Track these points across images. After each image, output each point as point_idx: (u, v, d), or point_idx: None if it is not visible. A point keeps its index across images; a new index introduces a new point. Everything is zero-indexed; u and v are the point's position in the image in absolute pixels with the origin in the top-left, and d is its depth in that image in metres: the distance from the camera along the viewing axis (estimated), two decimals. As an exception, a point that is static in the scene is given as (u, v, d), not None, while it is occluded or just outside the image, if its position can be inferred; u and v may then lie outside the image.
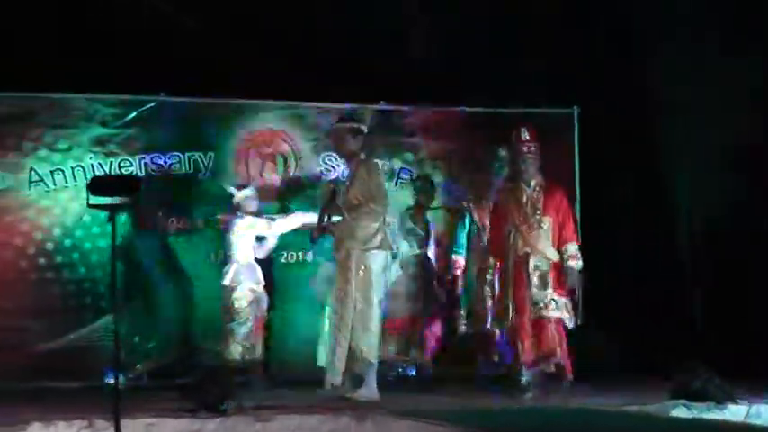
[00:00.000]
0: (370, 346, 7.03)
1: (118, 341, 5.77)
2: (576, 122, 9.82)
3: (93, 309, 8.79)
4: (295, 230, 8.63)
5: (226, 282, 8.23)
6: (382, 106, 9.54)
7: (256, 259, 8.43)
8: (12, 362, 8.51)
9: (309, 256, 9.13)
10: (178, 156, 9.08)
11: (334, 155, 9.33)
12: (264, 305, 8.43)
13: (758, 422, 6.27)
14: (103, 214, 8.40)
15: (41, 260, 8.78)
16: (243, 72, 9.04)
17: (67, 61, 8.70)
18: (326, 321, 7.94)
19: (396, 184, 9.50)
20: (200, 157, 9.12)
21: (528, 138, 7.76)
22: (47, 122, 8.90)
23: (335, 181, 7.56)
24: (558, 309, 7.51)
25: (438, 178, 9.43)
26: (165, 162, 9.06)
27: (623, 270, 9.38)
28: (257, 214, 8.47)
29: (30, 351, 8.61)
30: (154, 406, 6.48)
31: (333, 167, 9.39)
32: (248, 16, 9.13)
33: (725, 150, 8.84)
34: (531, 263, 7.58)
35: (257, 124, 9.31)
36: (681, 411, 6.35)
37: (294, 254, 9.22)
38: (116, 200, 5.56)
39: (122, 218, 8.79)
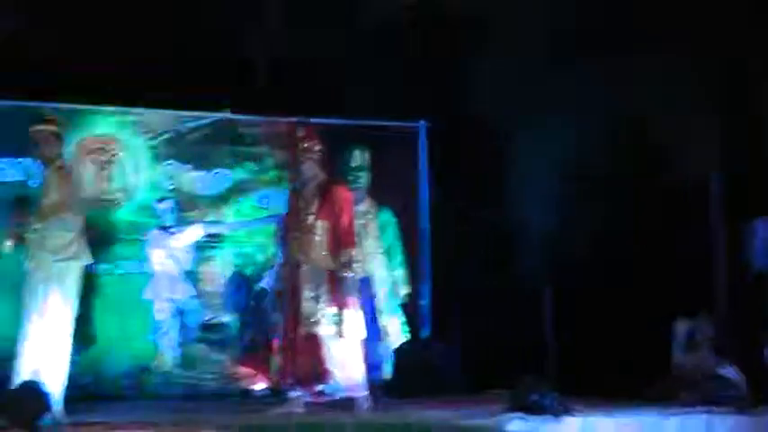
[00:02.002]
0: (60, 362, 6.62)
1: None
2: (423, 137, 9.75)
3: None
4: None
5: (146, 295, 8.70)
6: (225, 115, 9.28)
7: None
8: None
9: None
10: (7, 161, 8.66)
11: (175, 161, 9.10)
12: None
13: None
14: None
15: None
16: (75, 75, 8.62)
17: None
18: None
19: (239, 194, 9.26)
20: (31, 162, 8.67)
21: (303, 135, 7.24)
22: None
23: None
24: (334, 324, 6.94)
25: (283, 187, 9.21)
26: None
27: (472, 287, 9.29)
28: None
29: None
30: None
31: (173, 175, 9.10)
32: (78, 16, 8.72)
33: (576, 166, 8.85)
34: (304, 273, 7.07)
35: (92, 130, 8.93)
36: (517, 425, 6.26)
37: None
38: None
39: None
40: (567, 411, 6.45)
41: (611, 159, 8.68)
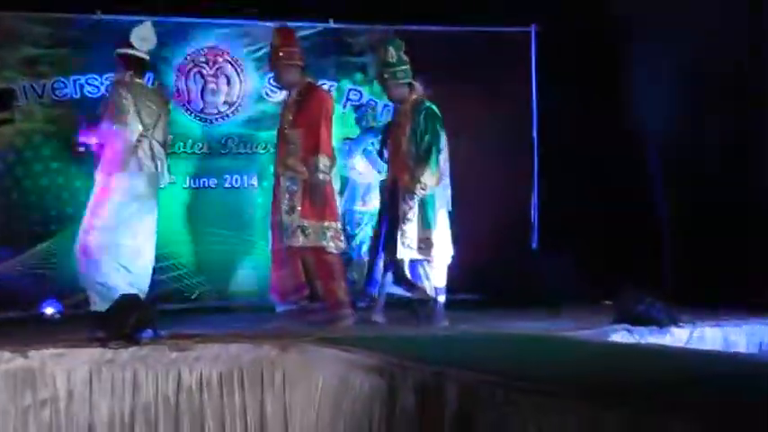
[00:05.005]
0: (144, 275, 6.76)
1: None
2: (533, 42, 9.47)
3: (28, 235, 8.45)
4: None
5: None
6: (330, 24, 9.14)
7: None
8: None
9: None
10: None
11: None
12: None
13: (700, 346, 6.02)
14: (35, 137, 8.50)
15: (-29, 186, 8.42)
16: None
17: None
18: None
19: (344, 107, 9.13)
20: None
21: (279, 42, 7.16)
22: (-27, 43, 8.48)
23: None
24: (307, 237, 6.86)
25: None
26: (102, 83, 8.67)
27: (581, 195, 9.05)
28: None
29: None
30: (70, 336, 6.17)
31: (278, 89, 9.01)
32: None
33: (694, 68, 8.46)
34: (282, 183, 6.98)
35: (199, 43, 8.90)
36: (621, 336, 6.10)
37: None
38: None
39: (54, 142, 8.51)
40: (674, 322, 6.26)
41: (736, 63, 8.24)
